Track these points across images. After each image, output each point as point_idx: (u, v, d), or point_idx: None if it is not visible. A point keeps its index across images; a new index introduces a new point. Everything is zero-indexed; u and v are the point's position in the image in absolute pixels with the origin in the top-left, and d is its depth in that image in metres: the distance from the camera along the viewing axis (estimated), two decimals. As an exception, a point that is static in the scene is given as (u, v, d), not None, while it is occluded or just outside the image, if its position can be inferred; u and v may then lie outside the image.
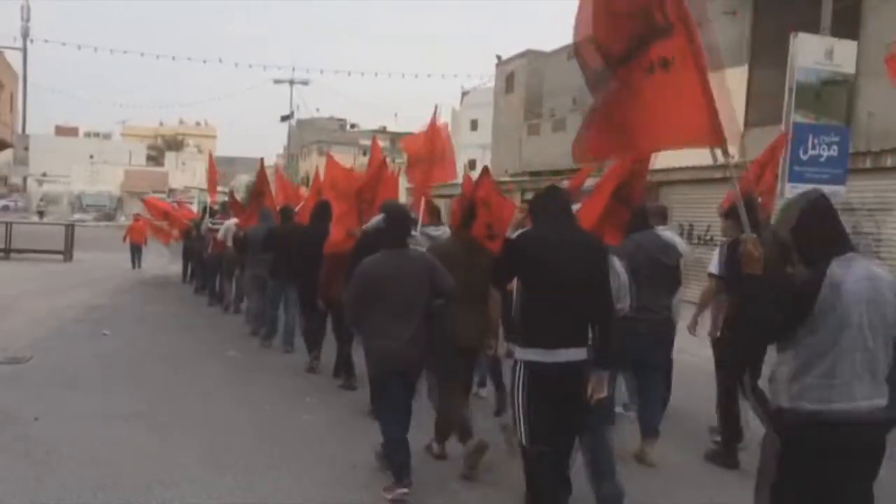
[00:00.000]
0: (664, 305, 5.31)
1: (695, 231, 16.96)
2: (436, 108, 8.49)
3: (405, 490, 4.45)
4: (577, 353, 3.75)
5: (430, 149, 8.02)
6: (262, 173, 12.41)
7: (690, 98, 3.36)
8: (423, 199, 7.42)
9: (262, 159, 13.98)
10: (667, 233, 5.82)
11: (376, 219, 5.79)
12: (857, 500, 2.86)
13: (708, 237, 16.55)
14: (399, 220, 4.92)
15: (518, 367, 3.83)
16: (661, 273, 5.24)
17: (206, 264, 14.50)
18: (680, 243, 5.88)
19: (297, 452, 5.29)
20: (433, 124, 8.28)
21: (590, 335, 3.85)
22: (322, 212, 7.87)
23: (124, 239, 21.68)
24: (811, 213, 2.92)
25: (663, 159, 19.69)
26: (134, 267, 20.71)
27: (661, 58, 3.45)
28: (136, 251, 21.14)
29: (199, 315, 12.32)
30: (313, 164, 38.65)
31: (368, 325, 4.69)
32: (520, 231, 4.40)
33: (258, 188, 11.95)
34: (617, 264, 4.48)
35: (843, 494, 2.81)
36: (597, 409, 3.94)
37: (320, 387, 7.22)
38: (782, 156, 11.01)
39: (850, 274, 2.76)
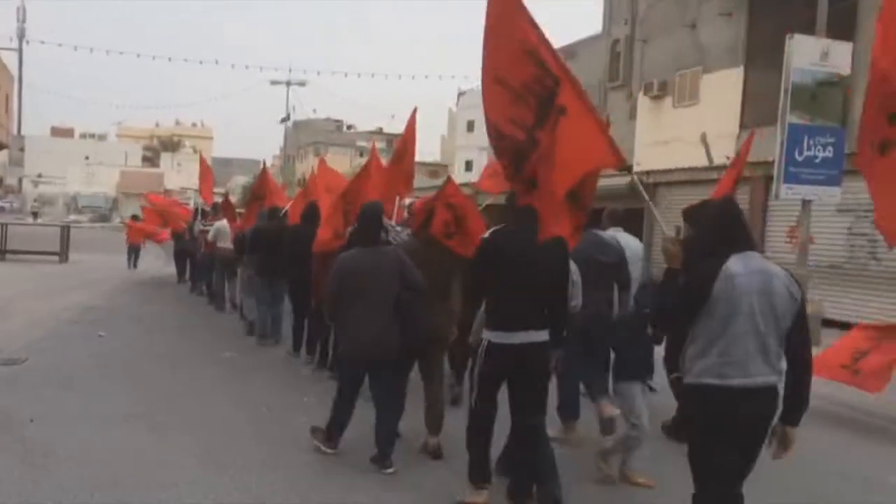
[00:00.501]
0: (599, 299, 5.58)
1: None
2: (414, 110, 8.51)
3: (330, 450, 5.16)
4: (536, 335, 4.30)
5: (401, 154, 8.23)
6: (262, 176, 12.64)
7: (589, 133, 3.94)
8: (396, 200, 7.64)
9: (263, 162, 14.25)
10: (608, 233, 6.11)
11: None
12: (751, 460, 3.38)
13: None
14: (371, 220, 5.33)
15: (483, 344, 4.37)
16: (597, 270, 5.55)
17: (198, 265, 14.90)
18: (628, 244, 6.25)
19: (294, 453, 5.29)
20: (410, 127, 8.40)
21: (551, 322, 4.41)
22: (311, 213, 8.30)
23: (126, 241, 21.75)
24: (718, 215, 3.48)
25: (660, 160, 19.69)
26: (129, 267, 20.84)
27: (560, 106, 3.97)
28: (133, 251, 21.33)
29: (196, 316, 12.31)
30: (310, 166, 38.63)
31: (345, 316, 5.13)
32: (493, 229, 4.73)
33: (258, 191, 12.13)
34: (573, 267, 4.85)
35: (739, 455, 3.31)
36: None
37: (317, 387, 7.21)
38: (777, 159, 11.04)
39: (745, 268, 3.20)
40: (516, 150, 4.28)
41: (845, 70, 11.24)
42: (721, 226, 3.39)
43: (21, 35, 55.61)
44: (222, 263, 12.44)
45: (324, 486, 4.70)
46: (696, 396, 3.33)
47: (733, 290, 3.17)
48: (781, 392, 3.28)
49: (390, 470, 4.90)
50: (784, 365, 3.28)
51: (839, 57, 11.17)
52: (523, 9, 4.11)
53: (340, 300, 5.13)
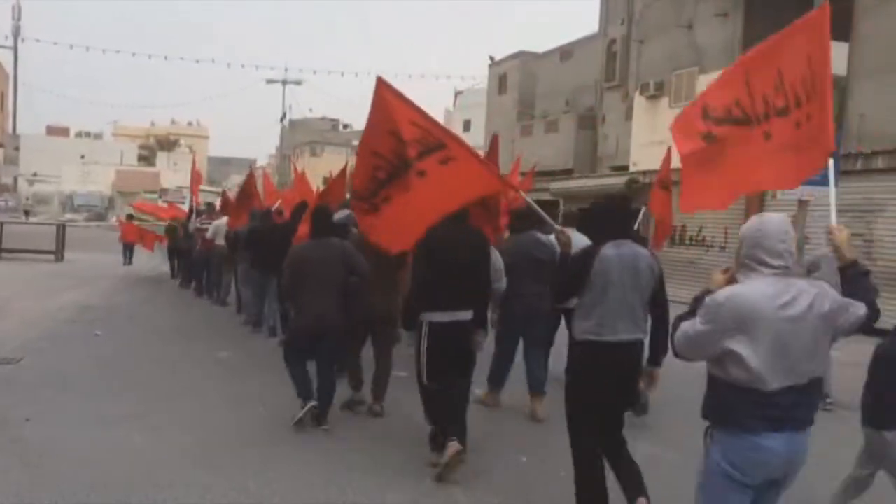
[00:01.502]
0: (534, 291, 6.31)
1: (687, 232, 17.01)
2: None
3: (307, 406, 5.83)
4: (464, 315, 5.07)
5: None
6: (250, 176, 13.64)
7: (474, 171, 5.21)
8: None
9: (252, 163, 15.33)
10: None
11: (337, 214, 7.14)
12: (623, 398, 4.22)
13: (700, 238, 16.62)
14: (321, 217, 6.29)
15: (423, 325, 5.04)
16: (534, 265, 6.44)
17: (194, 261, 15.44)
18: (577, 242, 6.98)
19: (291, 453, 5.29)
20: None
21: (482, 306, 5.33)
22: (301, 211, 8.90)
23: (120, 239, 22.78)
24: (601, 211, 4.46)
25: (656, 161, 19.84)
26: (125, 263, 21.55)
27: (444, 158, 5.10)
28: (128, 249, 22.24)
29: (192, 315, 12.30)
30: (306, 165, 38.60)
31: (296, 297, 6.10)
32: (428, 229, 5.46)
33: (247, 190, 13.08)
34: (495, 255, 5.88)
35: (613, 393, 4.13)
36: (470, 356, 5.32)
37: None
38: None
39: (617, 251, 4.04)
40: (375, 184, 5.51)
41: (841, 71, 11.29)
42: (601, 221, 4.32)
43: (16, 33, 55.43)
44: (220, 260, 12.94)
45: (321, 486, 4.70)
46: (580, 350, 4.16)
47: (607, 268, 4.01)
48: (646, 344, 4.16)
49: (325, 426, 5.81)
50: (648, 324, 4.16)
51: (834, 57, 11.15)
52: (401, 99, 5.31)
53: (293, 284, 6.07)
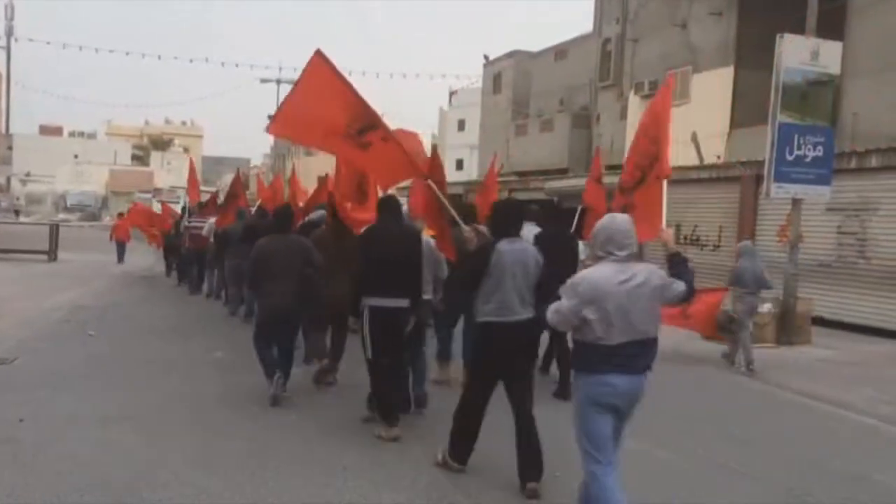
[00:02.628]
0: None
1: (682, 231, 17.02)
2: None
3: (275, 379, 6.54)
4: (401, 301, 5.75)
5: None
6: (237, 178, 14.82)
7: (399, 155, 6.11)
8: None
9: (245, 164, 16.40)
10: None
11: (315, 213, 8.38)
12: (521, 372, 4.87)
13: (695, 237, 16.64)
14: (282, 217, 7.20)
15: (365, 310, 5.75)
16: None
17: (183, 258, 16.38)
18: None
19: (285, 453, 5.28)
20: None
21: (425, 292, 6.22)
22: (285, 212, 9.40)
23: (110, 237, 23.29)
24: (498, 212, 5.20)
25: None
26: (119, 262, 21.89)
27: (383, 136, 6.00)
28: (121, 248, 22.64)
29: (187, 314, 12.27)
30: (301, 165, 38.54)
31: (260, 286, 6.86)
32: (367, 226, 6.41)
33: (233, 191, 14.16)
34: (431, 246, 6.51)
35: (513, 368, 4.84)
36: (414, 337, 6.23)
37: (309, 388, 7.21)
38: (767, 158, 11.08)
39: (510, 247, 4.85)
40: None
41: (835, 69, 11.30)
42: (497, 221, 5.12)
43: (9, 33, 55.33)
44: (213, 256, 13.65)
45: (317, 487, 4.69)
46: (483, 329, 4.95)
47: (502, 261, 4.80)
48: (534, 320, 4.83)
49: (286, 394, 6.65)
50: (533, 305, 4.84)
51: (829, 57, 11.22)
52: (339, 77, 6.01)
53: (257, 274, 6.82)
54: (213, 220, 13.74)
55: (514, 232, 4.97)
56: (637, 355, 3.83)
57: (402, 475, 4.90)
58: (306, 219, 9.24)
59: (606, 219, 4.01)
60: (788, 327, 11.24)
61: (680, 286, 3.92)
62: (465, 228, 5.68)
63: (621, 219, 4.02)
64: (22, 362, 7.88)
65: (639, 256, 4.11)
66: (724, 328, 9.71)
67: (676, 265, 4.03)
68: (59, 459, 4.96)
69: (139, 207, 24.23)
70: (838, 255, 13.11)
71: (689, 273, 4.00)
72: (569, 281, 3.89)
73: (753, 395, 8.06)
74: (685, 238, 16.70)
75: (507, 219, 5.05)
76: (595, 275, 3.83)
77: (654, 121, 6.14)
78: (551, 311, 3.97)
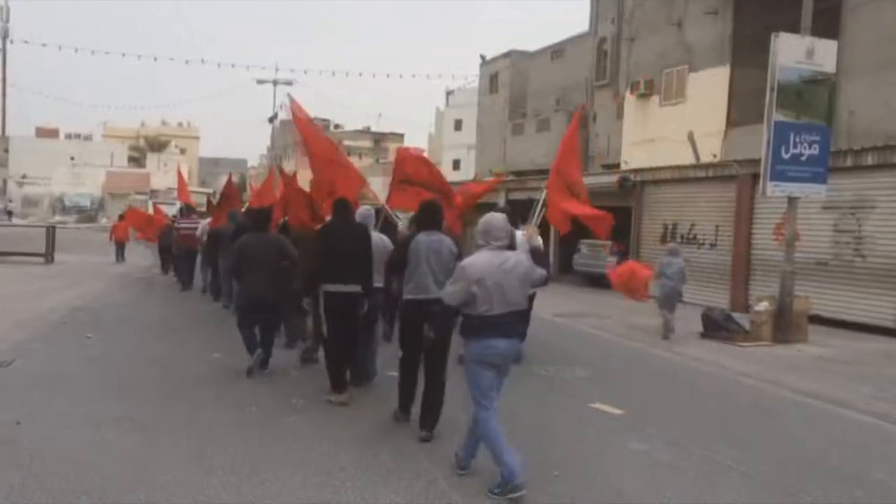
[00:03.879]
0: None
1: (678, 229, 17.05)
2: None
3: (255, 356, 7.75)
4: (353, 287, 6.72)
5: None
6: (229, 182, 16.19)
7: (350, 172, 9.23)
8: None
9: (230, 174, 18.12)
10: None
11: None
12: (431, 342, 5.44)
13: (692, 235, 16.65)
14: (260, 218, 8.41)
15: (321, 294, 6.76)
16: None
17: (175, 257, 17.32)
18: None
19: (284, 454, 5.27)
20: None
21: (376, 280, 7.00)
22: (264, 214, 9.92)
23: (110, 237, 24.17)
24: (421, 211, 6.39)
25: (647, 159, 19.76)
26: (117, 261, 22.69)
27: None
28: (119, 248, 23.48)
29: (183, 316, 12.26)
30: (298, 165, 38.52)
31: (242, 277, 7.95)
32: (322, 225, 7.55)
33: (226, 193, 15.22)
34: (388, 244, 7.30)
35: (427, 338, 5.41)
36: (366, 319, 7.13)
37: (306, 388, 7.20)
38: (763, 156, 11.10)
39: (427, 238, 5.96)
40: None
41: (830, 68, 11.32)
42: (419, 217, 6.39)
43: (5, 34, 55.06)
44: (205, 256, 14.50)
45: (315, 487, 4.69)
46: (405, 305, 6.02)
47: (419, 249, 5.91)
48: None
49: (266, 371, 7.82)
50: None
51: (824, 55, 11.24)
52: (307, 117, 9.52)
53: (240, 267, 7.93)
54: (206, 221, 14.76)
55: (433, 227, 6.09)
56: (513, 323, 4.82)
57: (400, 476, 4.90)
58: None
59: (487, 216, 4.98)
60: (785, 325, 11.26)
61: (541, 272, 4.94)
62: (400, 228, 8.30)
63: (499, 217, 5.00)
64: (19, 364, 7.86)
65: (511, 247, 5.18)
66: (718, 325, 11.53)
67: (539, 258, 5.05)
68: (57, 461, 4.96)
69: (134, 211, 25.60)
70: (835, 254, 13.14)
71: (548, 265, 5.11)
72: (458, 266, 4.96)
73: (750, 393, 8.07)
74: (682, 237, 16.71)
75: (426, 217, 6.21)
76: (478, 260, 4.81)
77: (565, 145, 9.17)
78: (446, 292, 4.90)
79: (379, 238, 7.39)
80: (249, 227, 10.16)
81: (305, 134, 9.29)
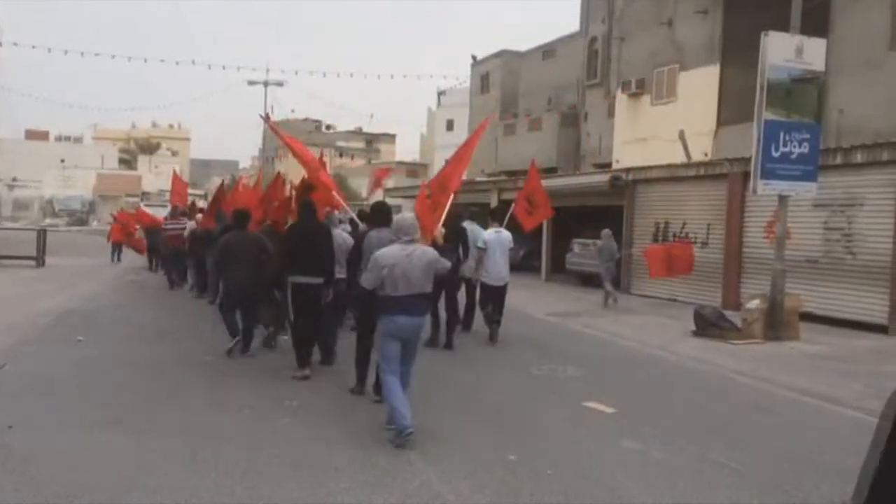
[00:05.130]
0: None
1: (670, 228, 17.09)
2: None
3: (235, 340, 8.80)
4: (315, 279, 7.78)
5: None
6: (220, 185, 17.53)
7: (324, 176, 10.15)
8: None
9: (222, 181, 19.77)
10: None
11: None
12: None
13: (683, 234, 16.70)
14: (240, 218, 9.22)
15: (288, 284, 7.88)
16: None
17: (163, 258, 18.42)
18: (475, 233, 10.40)
19: (277, 456, 5.27)
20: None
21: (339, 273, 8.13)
22: (242, 215, 10.43)
23: (108, 239, 24.86)
24: (372, 211, 7.46)
25: (638, 158, 19.82)
26: (113, 261, 23.26)
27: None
28: (115, 249, 24.11)
29: (175, 319, 12.20)
30: (289, 167, 38.43)
31: (225, 271, 9.02)
32: (290, 223, 8.86)
33: (217, 195, 16.16)
34: (349, 240, 8.41)
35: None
36: (331, 307, 8.15)
37: (300, 390, 7.20)
38: (754, 155, 11.14)
39: (377, 234, 6.82)
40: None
41: (819, 66, 11.37)
42: (371, 217, 7.42)
43: (-6, 37, 54.74)
44: (194, 255, 15.27)
45: (308, 489, 4.68)
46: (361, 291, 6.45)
47: (370, 243, 6.68)
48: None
49: (250, 354, 8.79)
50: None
51: (813, 53, 11.29)
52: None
53: (223, 262, 8.96)
54: (192, 222, 15.78)
55: (383, 224, 6.93)
56: (415, 304, 5.80)
57: (394, 476, 4.90)
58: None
59: (400, 215, 6.26)
60: (776, 323, 11.30)
61: (445, 263, 6.13)
62: (361, 226, 8.69)
63: (409, 216, 6.21)
64: (10, 368, 7.83)
65: (420, 242, 6.12)
66: (710, 323, 11.69)
67: (445, 252, 6.36)
68: (49, 464, 4.94)
69: (122, 215, 26.29)
70: (825, 251, 13.19)
71: (454, 258, 6.28)
72: (372, 256, 5.89)
73: (743, 391, 8.10)
74: (674, 235, 16.75)
75: (376, 215, 7.22)
76: (387, 252, 5.83)
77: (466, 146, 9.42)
78: (363, 278, 5.96)
79: (340, 235, 8.64)
80: (232, 226, 10.66)
81: (293, 146, 10.39)
